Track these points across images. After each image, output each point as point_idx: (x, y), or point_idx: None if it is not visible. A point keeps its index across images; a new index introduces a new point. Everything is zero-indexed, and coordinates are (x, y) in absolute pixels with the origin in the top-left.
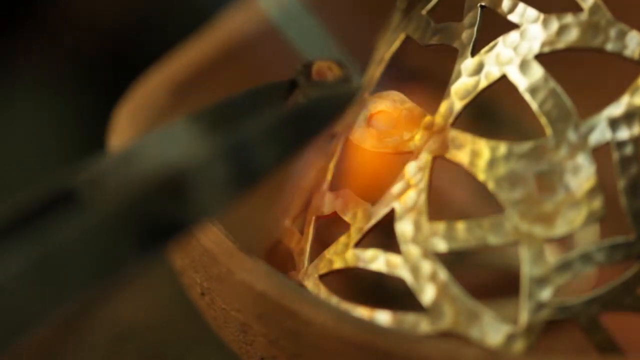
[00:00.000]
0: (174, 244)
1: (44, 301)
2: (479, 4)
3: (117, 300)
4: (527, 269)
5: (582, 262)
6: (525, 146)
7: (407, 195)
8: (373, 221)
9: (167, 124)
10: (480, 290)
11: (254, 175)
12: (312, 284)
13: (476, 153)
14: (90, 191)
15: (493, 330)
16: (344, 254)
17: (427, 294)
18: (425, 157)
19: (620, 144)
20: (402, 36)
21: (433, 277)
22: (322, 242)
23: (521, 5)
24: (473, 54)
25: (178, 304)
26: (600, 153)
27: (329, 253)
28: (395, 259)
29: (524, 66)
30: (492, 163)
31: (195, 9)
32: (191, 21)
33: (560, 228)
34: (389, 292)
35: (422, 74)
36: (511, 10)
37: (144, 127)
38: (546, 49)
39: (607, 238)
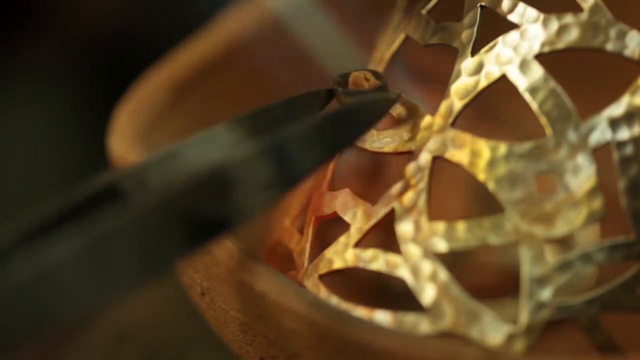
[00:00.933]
0: (216, 241)
1: (91, 288)
2: (478, 4)
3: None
4: (527, 269)
5: (582, 262)
6: (525, 146)
7: (407, 195)
8: (373, 221)
9: (207, 129)
10: (480, 290)
11: (293, 178)
12: (312, 284)
13: (476, 153)
14: (134, 188)
15: (493, 330)
16: (344, 254)
17: (427, 294)
18: (425, 157)
19: (621, 144)
20: (402, 36)
21: (433, 277)
22: (322, 242)
23: (521, 5)
24: (473, 54)
25: (178, 304)
26: (600, 153)
27: (328, 253)
28: (395, 258)
29: (524, 66)
30: (492, 163)
31: (195, 9)
32: (191, 21)
33: (560, 228)
34: (389, 292)
35: (422, 74)
36: (511, 10)
37: (144, 127)
38: (546, 49)
39: (607, 238)
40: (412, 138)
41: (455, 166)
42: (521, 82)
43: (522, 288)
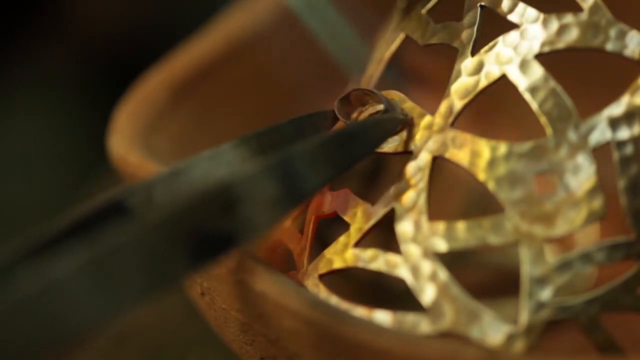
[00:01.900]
0: (222, 258)
1: (97, 303)
2: (478, 4)
3: None
4: (527, 269)
5: (582, 262)
6: (525, 146)
7: (407, 195)
8: (373, 221)
9: (213, 148)
10: (480, 290)
11: (299, 195)
12: (312, 284)
13: (476, 153)
14: (141, 204)
15: (493, 330)
16: (344, 254)
17: (427, 294)
18: (425, 157)
19: (621, 144)
20: (402, 36)
21: (433, 277)
22: (322, 242)
23: (521, 5)
24: (473, 54)
25: (178, 304)
26: (600, 153)
27: (328, 253)
28: (395, 258)
29: (524, 66)
30: (492, 163)
31: (196, 9)
32: (191, 21)
33: (560, 228)
34: (389, 292)
35: (422, 74)
36: (511, 10)
37: (144, 127)
38: (546, 49)
39: (607, 238)
40: (412, 138)
41: (455, 166)
42: (521, 82)
43: (522, 288)
